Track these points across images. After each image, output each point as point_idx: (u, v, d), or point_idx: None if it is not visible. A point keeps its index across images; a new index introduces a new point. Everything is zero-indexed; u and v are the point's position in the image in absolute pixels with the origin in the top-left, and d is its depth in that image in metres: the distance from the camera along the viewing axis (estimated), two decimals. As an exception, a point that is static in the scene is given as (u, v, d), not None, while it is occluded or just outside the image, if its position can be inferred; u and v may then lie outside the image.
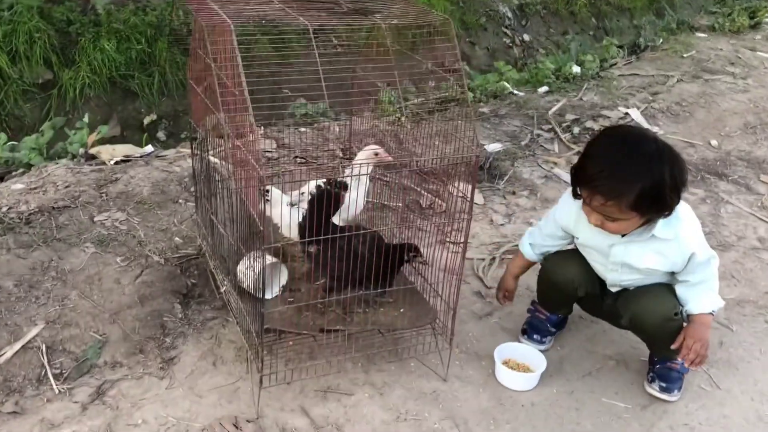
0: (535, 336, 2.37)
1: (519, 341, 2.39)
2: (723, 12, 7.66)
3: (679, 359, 2.12)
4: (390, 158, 2.31)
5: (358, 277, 1.99)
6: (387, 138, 3.18)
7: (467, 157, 1.91)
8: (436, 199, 3.27)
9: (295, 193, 2.29)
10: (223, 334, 2.30)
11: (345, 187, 1.97)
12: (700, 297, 2.09)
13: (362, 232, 1.96)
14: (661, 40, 6.41)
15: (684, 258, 2.04)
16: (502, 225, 3.18)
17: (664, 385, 2.19)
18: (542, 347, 2.35)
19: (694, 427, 2.13)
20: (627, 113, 4.46)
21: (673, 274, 2.12)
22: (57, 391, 2.03)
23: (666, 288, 2.12)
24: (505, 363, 2.23)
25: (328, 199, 1.91)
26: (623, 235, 2.05)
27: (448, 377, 2.21)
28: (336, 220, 2.19)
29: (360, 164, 2.24)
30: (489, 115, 4.31)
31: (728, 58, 5.86)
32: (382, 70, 2.24)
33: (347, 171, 2.30)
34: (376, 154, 2.28)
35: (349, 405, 2.08)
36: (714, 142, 4.24)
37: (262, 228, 1.71)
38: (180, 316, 2.35)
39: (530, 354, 2.27)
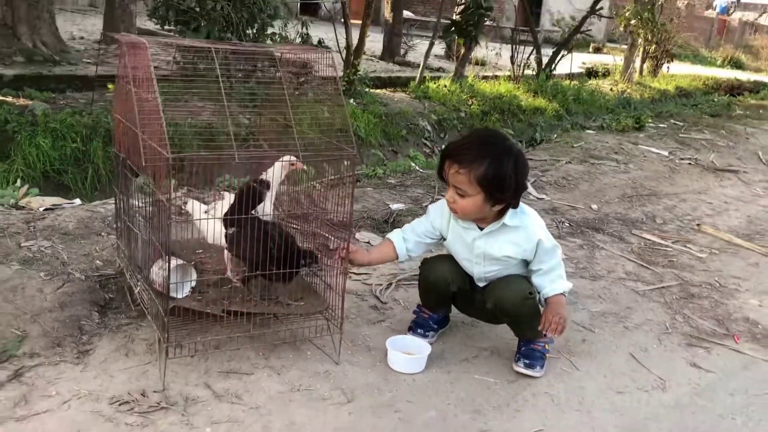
0: (419, 330, 2.68)
1: (406, 337, 2.70)
2: (612, 117, 8.63)
3: (546, 333, 2.47)
4: (302, 166, 2.67)
5: (266, 261, 2.33)
6: (301, 197, 3.57)
7: (345, 153, 2.31)
8: (342, 243, 3.63)
9: (208, 205, 2.63)
10: (136, 335, 2.52)
11: (267, 186, 2.36)
12: (552, 282, 2.49)
13: (274, 221, 2.31)
14: (555, 135, 7.19)
15: (533, 244, 2.45)
16: (401, 262, 3.53)
17: (528, 362, 2.52)
18: (426, 341, 2.66)
19: (554, 395, 2.44)
20: (519, 184, 5.00)
21: (527, 264, 2.52)
22: (-24, 374, 2.20)
23: (521, 276, 2.52)
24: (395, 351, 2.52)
25: (251, 194, 2.30)
26: (482, 229, 2.46)
27: (340, 361, 2.48)
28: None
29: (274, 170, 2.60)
30: (395, 185, 4.78)
31: (613, 149, 6.61)
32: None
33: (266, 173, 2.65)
34: (293, 164, 2.63)
35: (249, 381, 2.32)
36: (594, 206, 4.80)
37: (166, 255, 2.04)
38: (97, 321, 2.57)
39: (417, 343, 2.58)
